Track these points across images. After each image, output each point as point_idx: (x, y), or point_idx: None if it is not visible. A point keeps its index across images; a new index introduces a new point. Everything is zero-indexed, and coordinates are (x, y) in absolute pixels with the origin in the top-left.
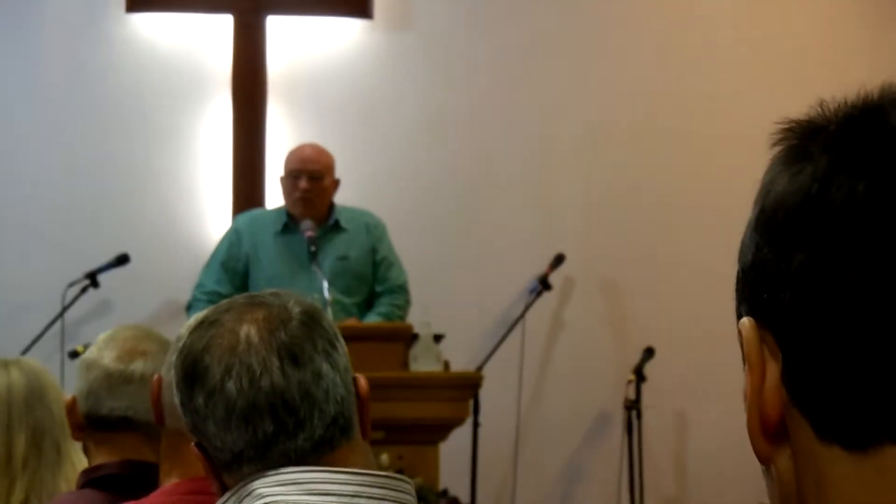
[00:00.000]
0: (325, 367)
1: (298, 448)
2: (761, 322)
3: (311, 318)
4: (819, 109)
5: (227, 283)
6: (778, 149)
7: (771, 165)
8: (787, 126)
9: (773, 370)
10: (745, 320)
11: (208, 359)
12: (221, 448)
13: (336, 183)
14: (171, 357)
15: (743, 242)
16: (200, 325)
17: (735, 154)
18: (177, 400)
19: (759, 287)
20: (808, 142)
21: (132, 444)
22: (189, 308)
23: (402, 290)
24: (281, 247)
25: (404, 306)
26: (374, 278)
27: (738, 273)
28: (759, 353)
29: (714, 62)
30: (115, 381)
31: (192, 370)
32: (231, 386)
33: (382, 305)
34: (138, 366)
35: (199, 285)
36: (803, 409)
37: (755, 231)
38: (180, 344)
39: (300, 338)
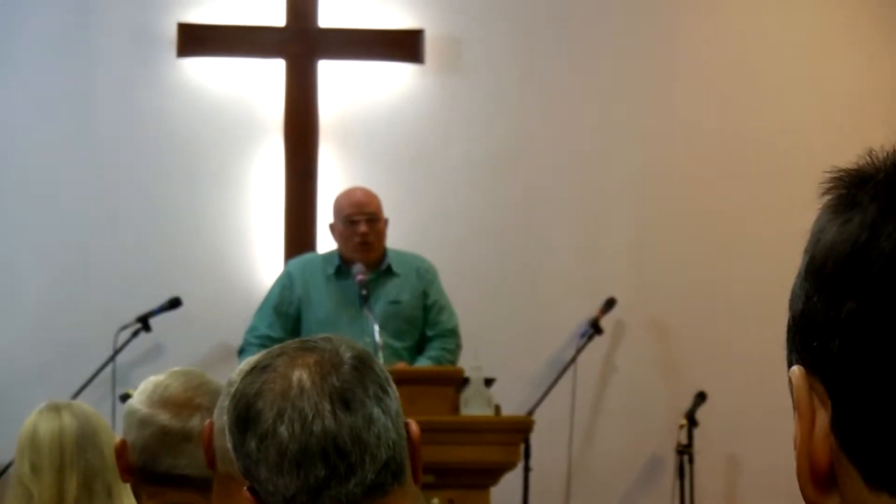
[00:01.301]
0: (377, 412)
1: (350, 493)
2: (811, 370)
3: (363, 363)
4: (868, 158)
5: (279, 327)
6: (827, 197)
7: (820, 214)
8: (835, 175)
9: (822, 418)
10: (795, 368)
11: (261, 403)
12: (274, 492)
13: (387, 223)
14: (224, 402)
15: (793, 291)
16: (253, 369)
17: (787, 196)
18: (229, 444)
19: (808, 335)
20: (856, 190)
21: (186, 498)
22: (241, 352)
23: (453, 334)
24: (333, 291)
25: (455, 350)
26: (425, 322)
27: (788, 321)
28: (809, 401)
29: (766, 104)
30: (172, 439)
31: (244, 415)
32: (283, 430)
33: (433, 349)
34: (195, 422)
35: (251, 329)
36: (853, 457)
37: (805, 280)
38: (233, 389)
39: (352, 382)
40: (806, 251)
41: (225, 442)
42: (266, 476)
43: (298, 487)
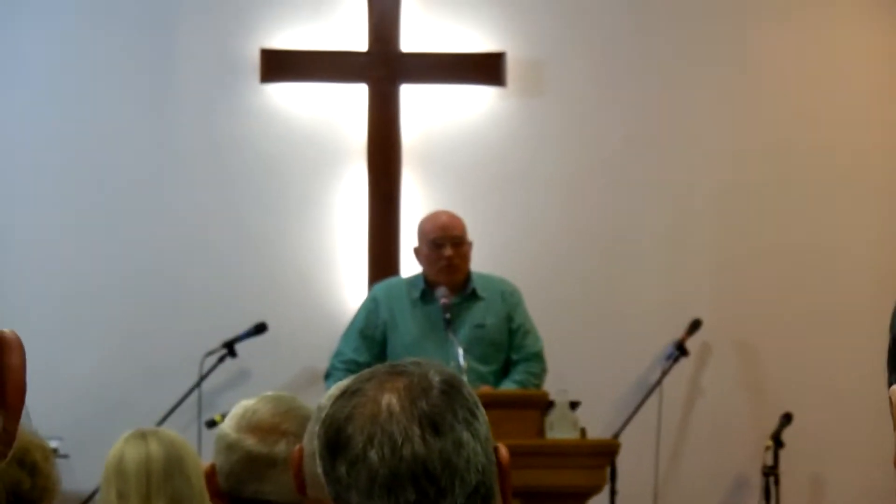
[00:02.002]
0: (466, 436)
1: None
2: None
3: (452, 387)
4: None
5: (365, 351)
6: None
7: None
8: None
9: None
10: (895, 388)
11: (351, 428)
12: None
13: (471, 246)
14: (314, 427)
15: (893, 314)
16: (343, 394)
17: (875, 215)
18: (319, 469)
19: None
20: None
21: None
22: (327, 377)
23: (538, 357)
24: (419, 315)
25: (540, 374)
26: (510, 346)
27: (889, 344)
28: None
29: (852, 120)
30: (258, 465)
31: (334, 439)
32: (373, 455)
33: (518, 373)
34: (281, 448)
35: (337, 354)
36: None
37: None
38: (323, 414)
39: (441, 406)
40: None
41: (315, 467)
42: (357, 501)
43: None
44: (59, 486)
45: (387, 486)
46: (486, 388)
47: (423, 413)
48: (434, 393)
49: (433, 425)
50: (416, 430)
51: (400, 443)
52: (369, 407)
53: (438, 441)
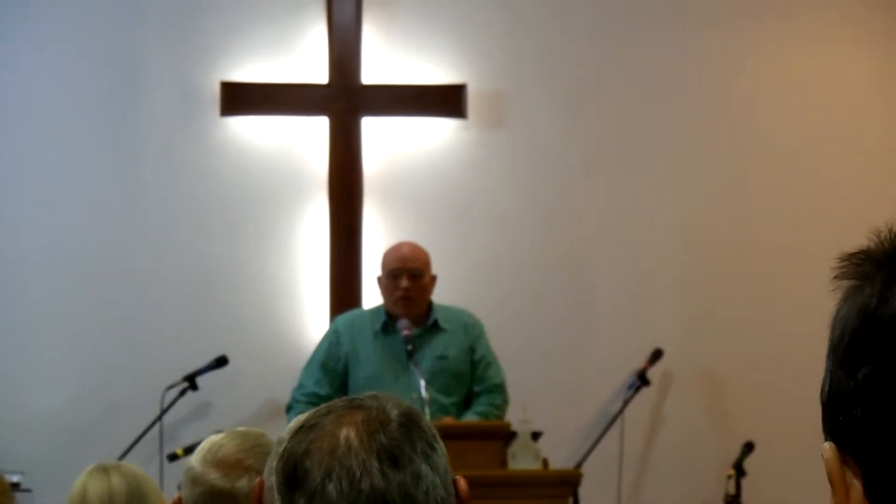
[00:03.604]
0: (425, 469)
1: None
2: (842, 445)
3: (410, 420)
4: (875, 238)
5: (326, 384)
6: (840, 282)
7: (838, 302)
8: (845, 258)
9: (856, 488)
10: (826, 445)
11: (309, 462)
12: None
13: (433, 279)
14: (273, 461)
15: (822, 382)
16: (300, 429)
17: (836, 245)
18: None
19: (836, 411)
20: (865, 265)
21: None
22: (289, 409)
23: (500, 389)
24: (380, 346)
25: (502, 406)
26: (472, 378)
27: (822, 412)
28: (842, 475)
29: (813, 153)
30: (220, 499)
31: (292, 474)
32: (332, 489)
33: (480, 405)
34: (243, 483)
35: (298, 387)
36: None
37: (828, 360)
38: (281, 448)
39: (399, 440)
40: (828, 339)
41: (274, 501)
42: None
43: None
44: None
45: None
46: (448, 420)
47: (382, 446)
48: (392, 426)
49: (392, 458)
50: (375, 464)
51: (358, 476)
52: (327, 441)
53: (397, 474)
